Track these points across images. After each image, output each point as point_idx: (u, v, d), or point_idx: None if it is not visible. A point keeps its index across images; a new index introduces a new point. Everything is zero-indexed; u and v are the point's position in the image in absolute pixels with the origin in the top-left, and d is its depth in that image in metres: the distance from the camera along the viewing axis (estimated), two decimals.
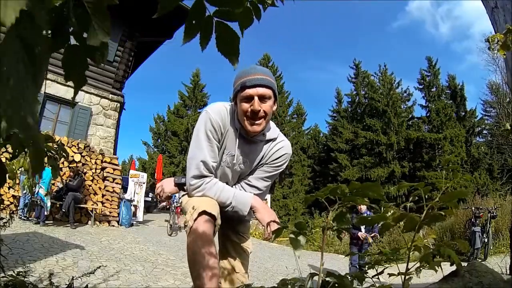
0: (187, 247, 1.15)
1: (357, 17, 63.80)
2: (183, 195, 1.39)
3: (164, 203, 9.12)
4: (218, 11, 0.53)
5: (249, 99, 1.20)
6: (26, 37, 0.32)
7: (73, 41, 0.51)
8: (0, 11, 0.27)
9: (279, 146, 1.37)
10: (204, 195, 1.25)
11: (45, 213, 6.28)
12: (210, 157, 1.25)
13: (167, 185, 1.42)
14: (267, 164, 1.36)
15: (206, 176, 1.26)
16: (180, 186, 1.39)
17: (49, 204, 6.38)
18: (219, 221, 1.21)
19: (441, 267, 0.66)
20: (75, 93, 0.55)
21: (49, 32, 0.47)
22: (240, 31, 0.59)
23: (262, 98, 1.21)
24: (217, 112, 1.27)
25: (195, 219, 1.15)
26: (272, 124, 1.38)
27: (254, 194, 1.34)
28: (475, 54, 50.44)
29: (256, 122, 1.22)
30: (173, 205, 8.54)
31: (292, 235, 0.65)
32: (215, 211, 1.19)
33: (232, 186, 1.36)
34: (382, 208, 0.69)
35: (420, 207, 0.68)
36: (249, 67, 1.26)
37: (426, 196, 0.68)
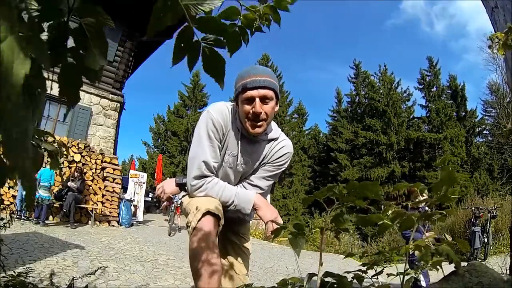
0: (189, 247, 1.14)
1: (356, 17, 63.83)
2: (183, 196, 1.38)
3: (165, 203, 9.06)
4: (206, 38, 0.56)
5: (251, 100, 1.19)
6: (31, 84, 0.37)
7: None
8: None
9: (281, 145, 1.36)
10: (207, 195, 1.24)
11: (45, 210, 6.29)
12: (211, 157, 1.23)
13: (168, 186, 1.41)
14: (269, 163, 1.35)
15: (207, 176, 1.25)
16: (182, 187, 1.38)
17: (45, 208, 6.37)
18: (222, 221, 1.20)
19: (441, 267, 0.66)
20: (68, 110, 0.59)
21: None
22: (228, 54, 0.62)
23: (264, 100, 1.19)
24: (218, 111, 1.25)
25: (199, 220, 1.13)
26: (273, 124, 1.37)
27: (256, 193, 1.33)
28: (472, 53, 50.33)
29: (258, 124, 1.21)
30: (173, 205, 8.48)
31: (291, 236, 0.65)
32: (219, 211, 1.18)
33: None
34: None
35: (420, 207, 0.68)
36: (250, 67, 1.24)
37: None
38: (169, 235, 7.75)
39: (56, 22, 0.48)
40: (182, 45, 0.55)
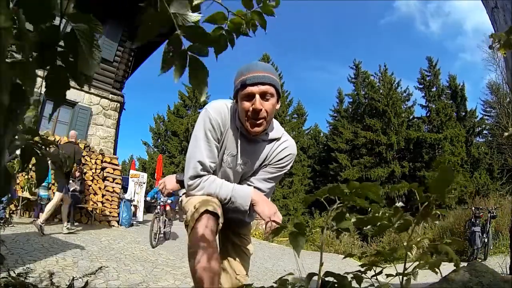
0: (188, 246, 1.12)
1: (353, 16, 63.77)
2: (183, 194, 1.37)
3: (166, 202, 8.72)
4: (192, 46, 0.57)
5: (251, 97, 1.15)
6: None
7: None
8: None
9: (283, 146, 1.31)
10: (204, 193, 1.22)
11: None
12: (207, 157, 1.21)
13: (169, 181, 1.42)
14: (270, 165, 1.30)
15: (203, 176, 1.23)
16: (182, 183, 1.38)
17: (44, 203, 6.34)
18: (221, 220, 1.17)
19: (439, 269, 0.66)
20: (53, 111, 0.59)
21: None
22: (215, 56, 0.65)
23: (264, 96, 1.15)
24: (216, 110, 1.22)
25: (197, 219, 1.11)
26: (276, 123, 1.33)
27: None
28: (469, 52, 49.96)
29: (258, 122, 1.17)
30: (160, 199, 6.61)
31: (291, 235, 0.65)
32: (218, 209, 1.15)
33: None
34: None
35: (419, 208, 0.68)
36: (251, 63, 1.21)
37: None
38: (153, 247, 5.57)
39: (48, 25, 0.48)
40: (171, 54, 0.56)
